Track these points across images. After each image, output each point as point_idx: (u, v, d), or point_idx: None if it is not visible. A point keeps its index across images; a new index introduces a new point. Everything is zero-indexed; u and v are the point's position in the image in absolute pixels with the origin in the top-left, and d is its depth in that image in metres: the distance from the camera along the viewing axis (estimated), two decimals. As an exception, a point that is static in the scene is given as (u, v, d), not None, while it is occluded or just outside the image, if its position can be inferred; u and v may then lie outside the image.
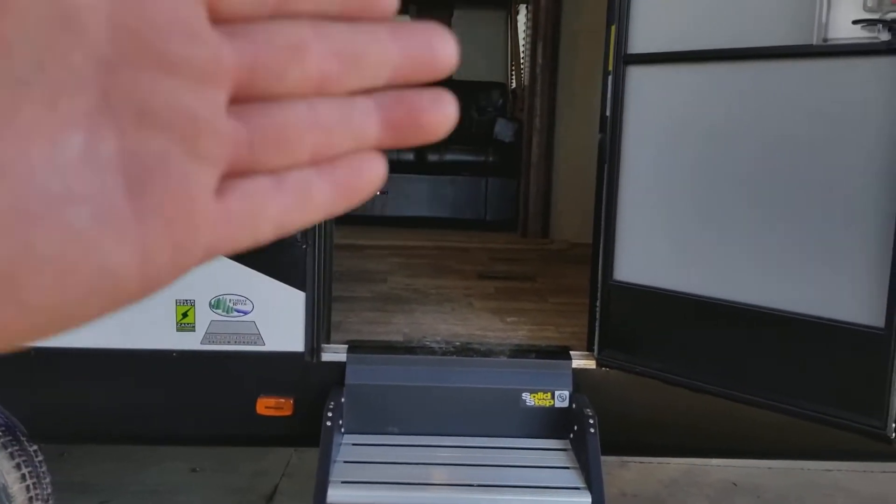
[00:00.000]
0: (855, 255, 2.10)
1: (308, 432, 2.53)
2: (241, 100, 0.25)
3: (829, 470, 4.02)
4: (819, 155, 2.16)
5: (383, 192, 5.84)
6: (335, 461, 2.39)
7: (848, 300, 2.11)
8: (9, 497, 2.57)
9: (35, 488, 2.64)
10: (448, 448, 2.56)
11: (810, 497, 3.78)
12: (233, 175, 0.26)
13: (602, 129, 2.63)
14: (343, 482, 2.30)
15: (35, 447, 2.70)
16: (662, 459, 4.07)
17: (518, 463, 2.48)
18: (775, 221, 2.25)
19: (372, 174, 0.29)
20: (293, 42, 0.25)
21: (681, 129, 2.42)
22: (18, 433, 2.64)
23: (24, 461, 2.62)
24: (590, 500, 2.28)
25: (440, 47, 0.28)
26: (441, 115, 0.28)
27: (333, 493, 2.25)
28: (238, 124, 0.25)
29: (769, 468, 4.01)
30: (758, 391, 2.28)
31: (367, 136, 0.28)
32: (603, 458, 2.41)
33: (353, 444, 2.53)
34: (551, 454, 2.54)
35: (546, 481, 2.38)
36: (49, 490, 2.72)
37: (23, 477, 2.61)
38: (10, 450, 2.60)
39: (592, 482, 2.30)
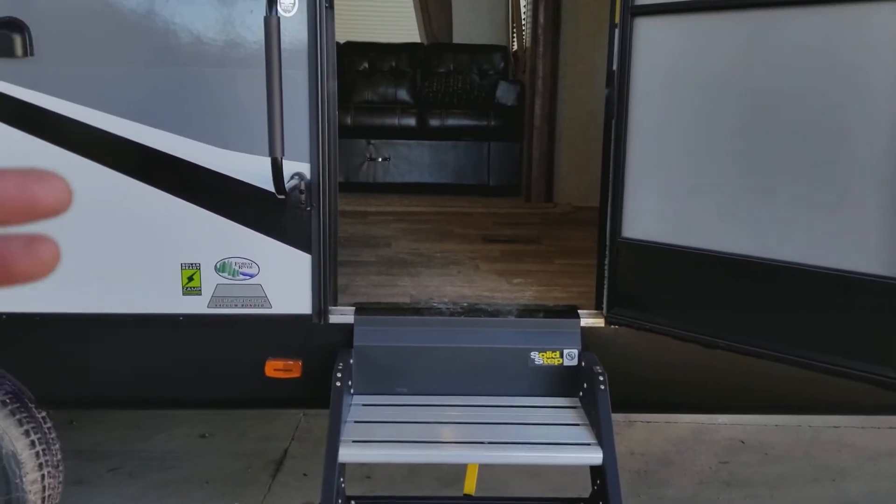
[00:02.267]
0: (869, 206, 2.07)
1: (317, 394, 2.53)
2: None
3: (836, 427, 4.04)
4: (832, 104, 2.12)
5: (385, 158, 5.80)
6: (345, 421, 2.38)
7: (862, 251, 2.09)
8: (19, 464, 2.57)
9: (45, 455, 2.64)
10: (457, 407, 2.56)
11: (817, 453, 3.80)
12: None
13: (609, 83, 2.58)
14: (354, 441, 2.30)
15: (43, 414, 2.69)
16: (670, 418, 4.08)
17: (528, 420, 2.48)
18: (788, 173, 2.21)
19: None
20: None
21: (690, 80, 2.38)
22: (26, 400, 2.63)
23: (32, 428, 2.62)
24: (601, 455, 2.28)
25: None
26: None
27: (345, 452, 2.25)
28: None
29: (776, 426, 4.03)
30: (769, 345, 2.26)
31: None
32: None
33: (363, 405, 2.53)
34: (561, 412, 2.54)
35: (556, 438, 2.38)
36: (59, 457, 2.73)
37: (32, 444, 2.60)
38: (18, 417, 2.59)
39: (604, 438, 2.30)
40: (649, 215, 2.52)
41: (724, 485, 3.50)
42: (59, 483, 2.72)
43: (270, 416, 4.01)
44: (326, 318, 2.61)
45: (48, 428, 2.69)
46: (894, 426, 4.06)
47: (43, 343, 2.59)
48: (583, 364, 2.58)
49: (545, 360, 2.62)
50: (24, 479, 2.57)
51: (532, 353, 2.62)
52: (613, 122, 2.55)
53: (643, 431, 4.00)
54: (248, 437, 3.84)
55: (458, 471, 3.15)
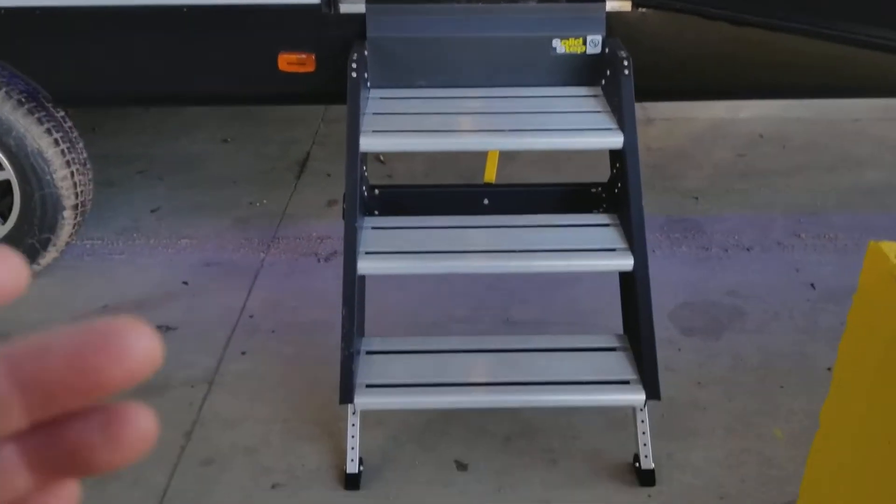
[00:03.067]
0: None
1: (333, 88, 2.48)
2: None
3: (857, 120, 4.00)
4: None
5: None
6: (364, 114, 2.36)
7: None
8: (46, 161, 2.62)
9: (70, 153, 2.68)
10: (478, 98, 2.52)
11: (836, 144, 3.80)
12: None
13: None
14: (374, 132, 2.30)
15: (62, 113, 2.69)
16: (689, 115, 4.05)
17: (549, 109, 2.44)
18: None
19: None
20: None
21: None
22: (42, 99, 2.61)
23: (53, 126, 2.63)
24: (622, 138, 2.26)
25: None
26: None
27: (365, 141, 2.25)
28: None
29: (797, 119, 3.99)
30: (803, 18, 2.14)
31: (15, 488, 0.26)
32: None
33: (381, 98, 2.49)
34: (582, 100, 2.49)
35: (577, 125, 2.36)
36: (85, 155, 2.77)
37: (56, 142, 2.63)
38: (36, 115, 2.59)
39: (625, 123, 2.27)
40: None
41: (741, 175, 3.55)
42: (90, 181, 2.80)
43: (291, 122, 4.01)
44: (336, 8, 2.49)
45: (69, 127, 2.71)
46: (917, 118, 4.01)
47: (48, 39, 2.50)
48: (606, 51, 2.49)
49: (567, 47, 2.53)
50: (54, 176, 2.63)
51: (554, 41, 2.52)
52: None
53: (661, 128, 3.98)
54: (271, 141, 3.87)
55: (477, 167, 3.20)
